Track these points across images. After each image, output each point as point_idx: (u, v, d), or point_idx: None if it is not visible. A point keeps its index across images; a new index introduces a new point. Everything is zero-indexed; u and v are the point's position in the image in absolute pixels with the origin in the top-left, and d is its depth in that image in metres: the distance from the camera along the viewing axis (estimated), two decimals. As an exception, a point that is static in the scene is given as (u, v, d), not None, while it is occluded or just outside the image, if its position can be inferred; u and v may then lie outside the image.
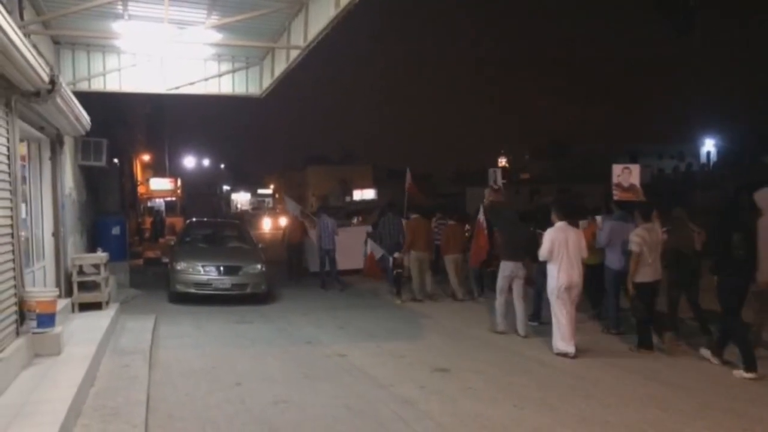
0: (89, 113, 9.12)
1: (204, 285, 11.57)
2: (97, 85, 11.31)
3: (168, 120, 47.72)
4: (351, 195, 62.32)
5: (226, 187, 69.19)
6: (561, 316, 7.77)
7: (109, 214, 13.36)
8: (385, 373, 7.07)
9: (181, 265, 11.67)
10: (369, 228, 15.66)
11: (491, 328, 9.32)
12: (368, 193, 60.23)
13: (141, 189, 37.83)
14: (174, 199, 39.80)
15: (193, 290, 11.54)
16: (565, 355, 7.70)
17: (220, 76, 12.08)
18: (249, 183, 76.01)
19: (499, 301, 9.16)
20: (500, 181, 11.12)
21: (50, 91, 6.46)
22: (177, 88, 11.86)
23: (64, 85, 7.01)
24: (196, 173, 58.11)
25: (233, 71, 12.20)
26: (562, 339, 7.77)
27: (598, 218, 9.62)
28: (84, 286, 9.30)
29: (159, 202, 38.90)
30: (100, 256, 9.64)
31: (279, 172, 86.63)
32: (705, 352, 7.49)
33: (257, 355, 7.89)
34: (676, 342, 7.99)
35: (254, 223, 39.21)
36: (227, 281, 11.65)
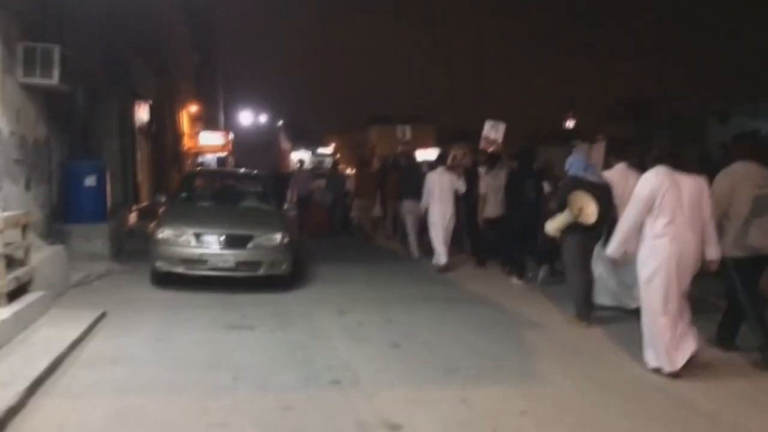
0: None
1: (196, 262, 7.79)
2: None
3: (221, 70, 44.52)
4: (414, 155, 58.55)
5: (290, 145, 65.95)
6: (437, 238, 9.82)
7: (80, 158, 9.73)
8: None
9: (164, 233, 7.90)
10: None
11: (411, 255, 10.95)
12: (431, 153, 56.14)
13: (189, 143, 34.85)
14: (225, 154, 36.71)
15: (180, 269, 7.80)
16: (442, 265, 9.71)
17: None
18: (309, 141, 72.99)
19: (412, 237, 11.02)
20: (408, 136, 14.14)
21: None
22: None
23: None
24: (252, 129, 55.03)
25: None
26: (442, 255, 9.75)
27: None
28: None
29: (209, 158, 35.95)
30: (7, 216, 5.73)
31: (340, 131, 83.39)
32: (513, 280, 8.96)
33: (232, 419, 4.07)
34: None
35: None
36: (230, 257, 7.83)
